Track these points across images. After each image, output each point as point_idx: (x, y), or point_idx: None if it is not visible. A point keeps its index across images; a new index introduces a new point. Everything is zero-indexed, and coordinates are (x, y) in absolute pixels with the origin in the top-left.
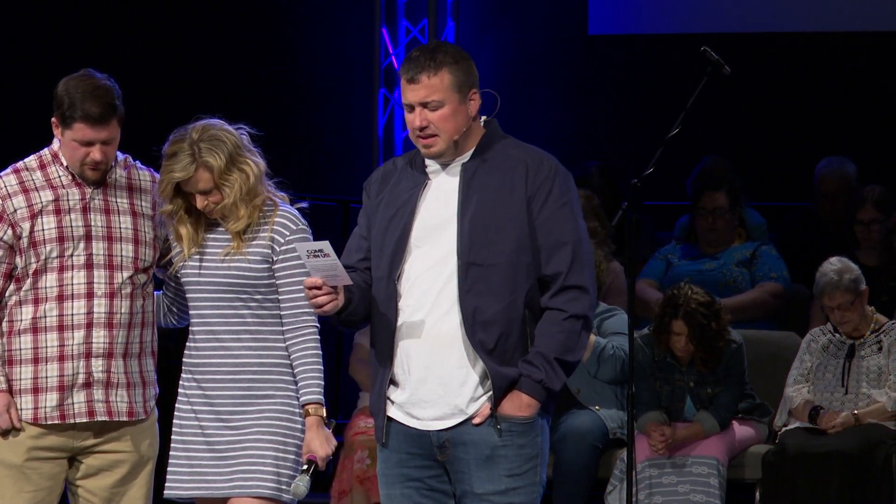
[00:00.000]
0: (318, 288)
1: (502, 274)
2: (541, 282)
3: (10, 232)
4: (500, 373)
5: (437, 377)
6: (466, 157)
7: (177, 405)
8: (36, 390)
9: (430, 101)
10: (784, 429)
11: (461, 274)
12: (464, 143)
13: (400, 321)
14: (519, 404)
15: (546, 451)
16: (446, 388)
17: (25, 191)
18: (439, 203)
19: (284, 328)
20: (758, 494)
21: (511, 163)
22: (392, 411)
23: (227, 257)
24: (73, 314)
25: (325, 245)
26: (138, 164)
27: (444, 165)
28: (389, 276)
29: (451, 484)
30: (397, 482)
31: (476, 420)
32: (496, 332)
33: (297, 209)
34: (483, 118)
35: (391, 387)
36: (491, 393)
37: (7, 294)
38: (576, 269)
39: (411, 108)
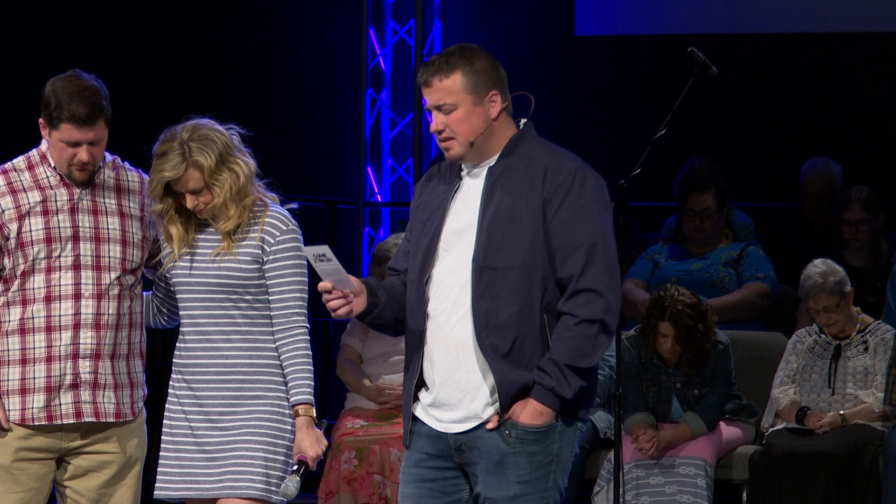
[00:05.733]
0: (329, 292)
1: (517, 277)
2: (559, 285)
3: None
4: (509, 378)
5: (455, 381)
6: (493, 160)
7: (167, 405)
8: (23, 391)
9: (444, 104)
10: (771, 429)
11: (475, 278)
12: (488, 145)
13: (427, 325)
14: (532, 412)
15: (566, 456)
16: (463, 392)
17: (13, 192)
18: (465, 207)
19: (274, 329)
20: (745, 495)
21: (532, 164)
22: (418, 411)
23: (217, 257)
24: (60, 315)
25: (326, 250)
26: (127, 165)
27: (473, 168)
28: (420, 280)
29: (468, 486)
30: (412, 481)
31: (489, 426)
32: (510, 335)
33: (288, 210)
34: (523, 121)
35: (421, 389)
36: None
37: None
38: (589, 272)
39: (431, 113)
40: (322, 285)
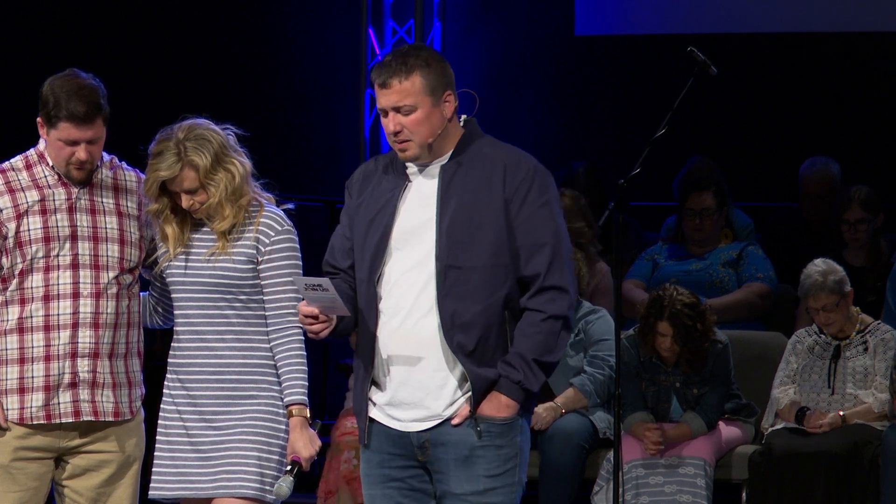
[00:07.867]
0: (315, 317)
1: (481, 276)
2: (521, 282)
3: None
4: (480, 375)
5: (416, 380)
6: (445, 158)
7: (161, 405)
8: (22, 390)
9: (403, 105)
10: (770, 429)
11: (439, 277)
12: (441, 144)
13: (380, 323)
14: (498, 405)
15: (526, 451)
16: (426, 391)
17: (11, 191)
18: (419, 205)
19: (269, 329)
20: (744, 495)
21: (489, 163)
22: (374, 412)
23: (213, 257)
24: (58, 314)
25: (325, 281)
26: (124, 164)
27: (424, 167)
28: (370, 279)
29: (432, 484)
30: (379, 482)
31: (455, 420)
32: (475, 334)
33: (284, 210)
34: (463, 117)
35: (373, 388)
36: (470, 394)
37: None
38: (555, 270)
39: (385, 113)
40: (308, 309)
